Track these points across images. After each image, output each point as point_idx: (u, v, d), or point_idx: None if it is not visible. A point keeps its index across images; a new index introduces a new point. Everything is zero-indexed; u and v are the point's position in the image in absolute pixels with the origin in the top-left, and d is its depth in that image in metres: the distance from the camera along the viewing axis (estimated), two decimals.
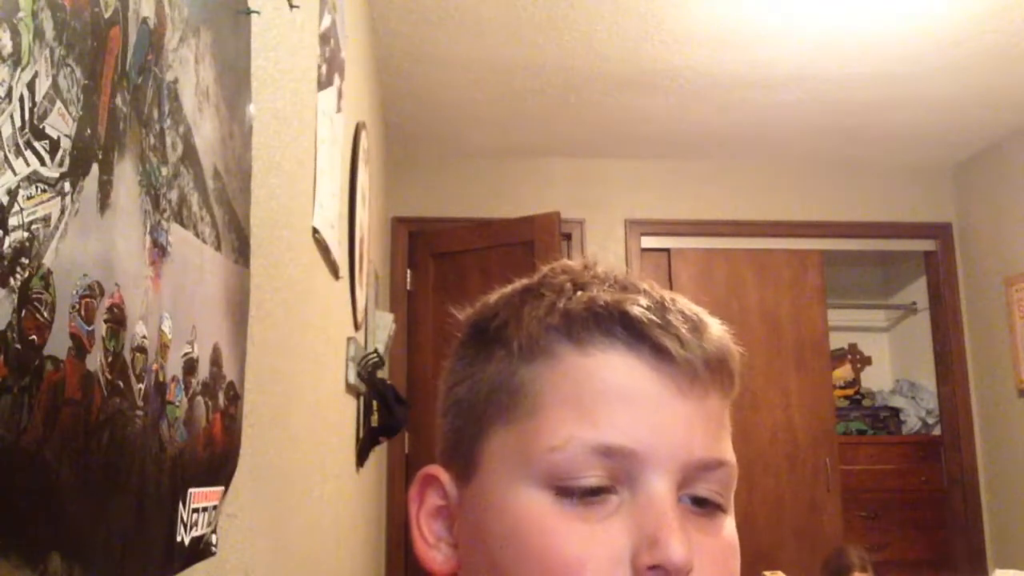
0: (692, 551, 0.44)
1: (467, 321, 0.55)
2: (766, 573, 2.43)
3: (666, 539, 0.44)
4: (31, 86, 0.43)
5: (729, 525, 0.49)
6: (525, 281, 0.53)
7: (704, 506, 0.48)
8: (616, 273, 0.52)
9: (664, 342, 0.47)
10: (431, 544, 0.52)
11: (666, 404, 0.47)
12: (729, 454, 0.50)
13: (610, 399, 0.47)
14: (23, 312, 0.41)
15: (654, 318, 0.48)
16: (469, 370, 0.52)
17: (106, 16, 0.52)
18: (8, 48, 0.40)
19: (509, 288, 0.54)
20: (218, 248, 0.78)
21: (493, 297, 0.54)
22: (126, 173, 0.55)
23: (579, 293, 0.49)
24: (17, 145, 0.41)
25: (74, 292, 0.47)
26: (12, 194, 0.41)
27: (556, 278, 0.52)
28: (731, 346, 0.51)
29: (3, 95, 0.40)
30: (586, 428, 0.46)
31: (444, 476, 0.52)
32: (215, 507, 0.77)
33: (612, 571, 0.44)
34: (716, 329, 0.50)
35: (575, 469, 0.45)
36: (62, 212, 0.46)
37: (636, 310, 0.48)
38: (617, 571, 0.44)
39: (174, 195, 0.66)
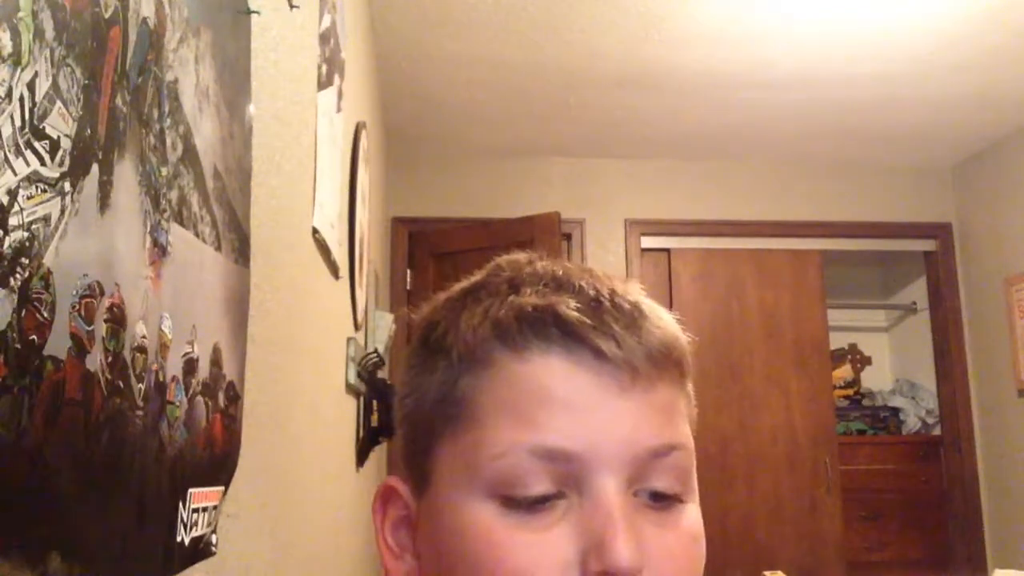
0: (642, 552, 0.43)
1: (417, 326, 0.54)
2: (766, 573, 2.43)
3: (612, 543, 0.43)
4: (31, 86, 0.43)
5: (691, 513, 0.48)
6: (473, 278, 0.53)
7: (660, 499, 0.47)
8: (556, 268, 0.51)
9: (599, 343, 0.46)
10: (397, 555, 0.52)
11: (607, 404, 0.46)
12: (682, 438, 0.48)
13: (550, 403, 0.46)
14: (23, 312, 0.41)
15: (587, 319, 0.46)
16: (416, 381, 0.52)
17: (106, 16, 0.52)
18: (8, 48, 0.40)
19: (457, 288, 0.53)
20: (218, 248, 0.78)
21: (441, 298, 0.53)
22: (126, 173, 0.55)
23: (511, 298, 0.48)
24: (17, 145, 0.41)
25: (74, 292, 0.47)
26: (12, 194, 0.41)
27: (497, 276, 0.51)
28: (676, 334, 0.50)
29: (3, 95, 0.40)
30: (526, 433, 0.45)
31: (403, 488, 0.52)
32: (215, 507, 0.77)
33: None
34: (658, 319, 0.49)
35: (519, 477, 0.45)
36: (62, 212, 0.46)
37: (568, 312, 0.47)
38: None
39: (174, 195, 0.66)
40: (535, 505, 0.45)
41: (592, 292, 0.48)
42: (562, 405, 0.46)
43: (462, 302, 0.51)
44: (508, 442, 0.45)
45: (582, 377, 0.46)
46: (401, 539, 0.52)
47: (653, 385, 0.47)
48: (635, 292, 0.50)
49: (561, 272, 0.50)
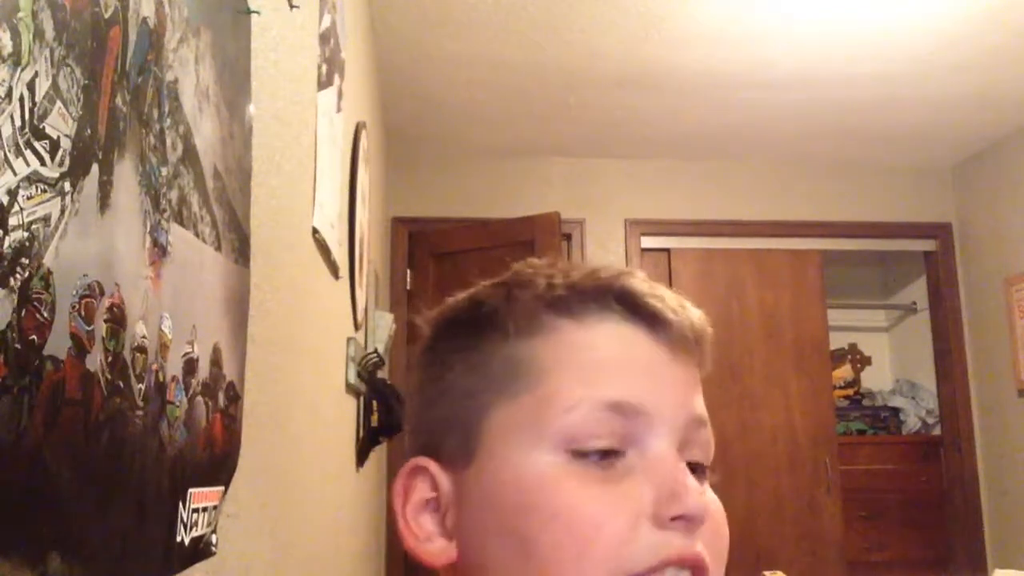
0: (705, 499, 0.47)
1: (439, 319, 0.55)
2: (766, 573, 2.43)
3: (683, 490, 0.46)
4: (31, 86, 0.43)
5: (710, 488, 0.52)
6: (500, 277, 0.55)
7: (695, 470, 0.49)
8: (589, 262, 0.56)
9: (656, 312, 0.50)
10: (423, 538, 0.51)
11: (664, 367, 0.50)
12: (708, 416, 0.53)
13: (612, 364, 0.49)
14: (23, 312, 0.41)
15: (649, 290, 0.51)
16: (456, 358, 0.52)
17: (106, 16, 0.52)
18: (8, 48, 0.40)
19: (480, 286, 0.55)
20: (218, 248, 0.78)
21: (461, 296, 0.55)
22: (126, 173, 0.55)
23: (572, 274, 0.52)
24: (17, 145, 0.41)
25: (74, 292, 0.47)
26: (12, 194, 0.41)
27: (531, 267, 0.54)
28: (707, 327, 0.53)
29: (3, 95, 0.40)
30: (594, 389, 0.48)
31: (434, 466, 0.51)
32: (215, 507, 0.77)
33: (634, 526, 0.45)
34: (695, 310, 0.53)
35: (588, 429, 0.47)
36: (62, 212, 0.46)
37: (631, 283, 0.51)
38: (639, 525, 0.45)
39: (174, 195, 0.66)
40: (603, 459, 0.47)
41: (643, 276, 0.53)
42: (624, 365, 0.49)
43: (505, 288, 0.53)
44: (578, 396, 0.48)
45: (640, 341, 0.50)
46: (425, 522, 0.51)
47: (692, 360, 0.52)
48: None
49: (599, 263, 0.55)
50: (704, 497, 0.47)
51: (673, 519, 0.45)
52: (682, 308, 0.52)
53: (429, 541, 0.51)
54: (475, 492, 0.50)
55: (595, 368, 0.49)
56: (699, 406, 0.51)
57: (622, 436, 0.47)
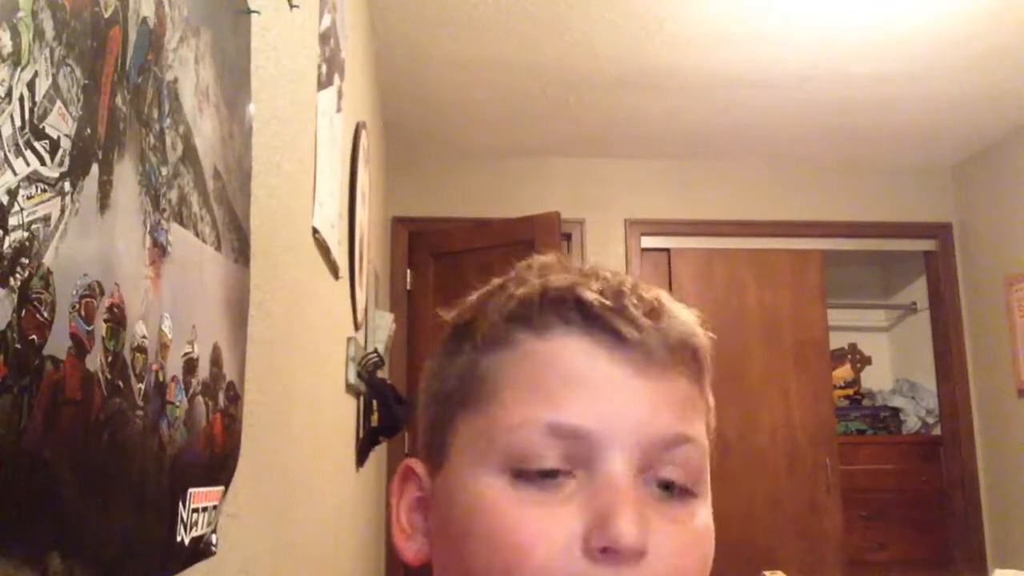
0: (647, 532, 0.43)
1: (451, 320, 0.56)
2: (766, 573, 2.43)
3: (616, 519, 0.43)
4: (31, 86, 0.43)
5: (700, 511, 0.48)
6: (501, 278, 0.55)
7: (671, 489, 0.47)
8: (583, 265, 0.53)
9: (617, 325, 0.47)
10: (408, 535, 0.53)
11: (623, 385, 0.47)
12: (695, 433, 0.49)
13: (567, 381, 0.47)
14: (23, 312, 0.41)
15: (607, 301, 0.48)
16: (441, 365, 0.54)
17: (106, 16, 0.52)
18: (8, 48, 0.40)
19: (486, 287, 0.55)
20: (218, 248, 0.78)
21: (472, 297, 0.55)
22: (126, 173, 0.55)
23: (536, 281, 0.50)
24: (17, 145, 0.41)
25: (74, 292, 0.47)
26: (12, 194, 0.41)
27: (524, 272, 0.53)
28: (696, 330, 0.50)
29: (3, 95, 0.40)
30: (541, 410, 0.46)
31: (421, 469, 0.53)
32: (215, 507, 0.77)
33: (564, 553, 0.44)
34: (679, 313, 0.50)
35: (530, 451, 0.46)
36: (62, 212, 0.46)
37: (589, 294, 0.48)
38: (569, 553, 0.43)
39: (174, 195, 0.66)
40: (544, 480, 0.45)
41: (616, 281, 0.50)
42: (578, 383, 0.47)
43: (489, 294, 0.53)
44: (523, 417, 0.46)
45: (600, 357, 0.47)
46: (414, 520, 0.53)
47: (669, 375, 0.48)
48: (659, 291, 0.52)
49: (588, 267, 0.52)
50: (641, 528, 0.43)
51: (601, 551, 0.43)
52: (651, 318, 0.48)
53: (412, 538, 0.53)
54: (440, 499, 0.51)
55: (546, 387, 0.47)
56: (672, 424, 0.47)
57: (570, 457, 0.46)
